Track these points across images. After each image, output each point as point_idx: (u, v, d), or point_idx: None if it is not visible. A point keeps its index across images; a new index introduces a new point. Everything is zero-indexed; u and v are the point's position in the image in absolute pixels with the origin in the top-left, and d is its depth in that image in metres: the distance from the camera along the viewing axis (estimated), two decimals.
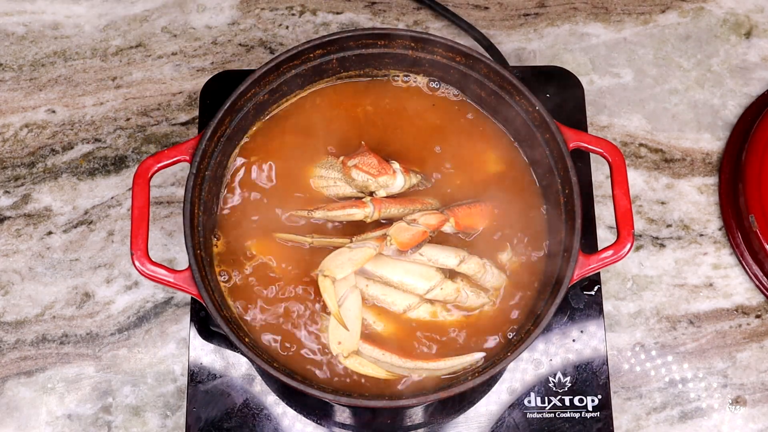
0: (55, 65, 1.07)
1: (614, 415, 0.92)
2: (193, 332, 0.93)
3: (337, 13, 1.10)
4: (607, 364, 0.93)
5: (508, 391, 0.92)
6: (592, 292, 0.95)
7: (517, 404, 0.91)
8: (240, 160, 0.91)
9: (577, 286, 0.95)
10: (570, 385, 0.92)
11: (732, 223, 1.00)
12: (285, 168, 0.91)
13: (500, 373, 0.92)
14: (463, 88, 0.93)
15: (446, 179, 0.90)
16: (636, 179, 1.03)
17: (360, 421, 0.92)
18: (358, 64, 0.93)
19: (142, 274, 0.80)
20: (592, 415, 0.91)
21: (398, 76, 0.94)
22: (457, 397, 0.91)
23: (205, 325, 0.93)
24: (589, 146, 0.85)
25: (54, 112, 1.05)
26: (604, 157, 0.85)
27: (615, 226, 0.91)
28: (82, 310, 0.97)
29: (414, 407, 0.91)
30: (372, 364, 0.82)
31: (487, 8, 1.11)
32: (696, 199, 1.03)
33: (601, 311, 0.95)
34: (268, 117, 0.93)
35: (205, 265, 0.83)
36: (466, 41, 1.07)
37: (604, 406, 0.91)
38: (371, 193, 0.88)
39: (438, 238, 0.87)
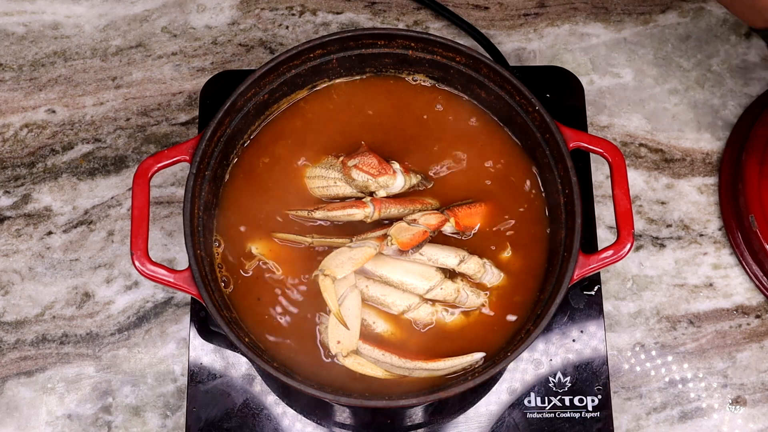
0: (55, 65, 1.07)
1: (614, 415, 0.92)
2: (193, 332, 0.93)
3: (337, 13, 1.10)
4: (607, 364, 0.93)
5: (508, 391, 0.92)
6: (592, 292, 0.95)
7: (517, 404, 0.91)
8: (240, 160, 0.91)
9: (577, 286, 0.95)
10: (570, 385, 0.92)
11: (732, 223, 1.00)
12: (285, 168, 0.91)
13: (500, 373, 0.92)
14: (463, 88, 0.93)
15: (446, 179, 0.90)
16: (636, 179, 1.03)
17: (360, 421, 0.92)
18: (358, 64, 0.93)
19: (142, 274, 0.80)
20: (592, 415, 0.91)
21: (398, 76, 0.94)
22: (457, 397, 0.91)
23: (205, 325, 0.93)
24: (589, 146, 0.85)
25: (54, 112, 1.05)
26: (604, 157, 0.85)
27: (615, 226, 0.91)
28: (82, 310, 0.97)
29: (414, 407, 0.91)
30: (371, 363, 0.82)
31: (487, 8, 1.11)
32: (696, 199, 1.03)
33: (601, 311, 0.95)
34: (268, 117, 0.93)
35: (205, 265, 0.83)
36: (466, 41, 1.07)
37: (604, 406, 0.91)
38: (371, 194, 0.88)
39: (437, 238, 0.87)
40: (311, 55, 0.90)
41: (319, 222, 0.88)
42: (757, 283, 0.98)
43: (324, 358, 0.84)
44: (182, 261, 0.99)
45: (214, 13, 1.10)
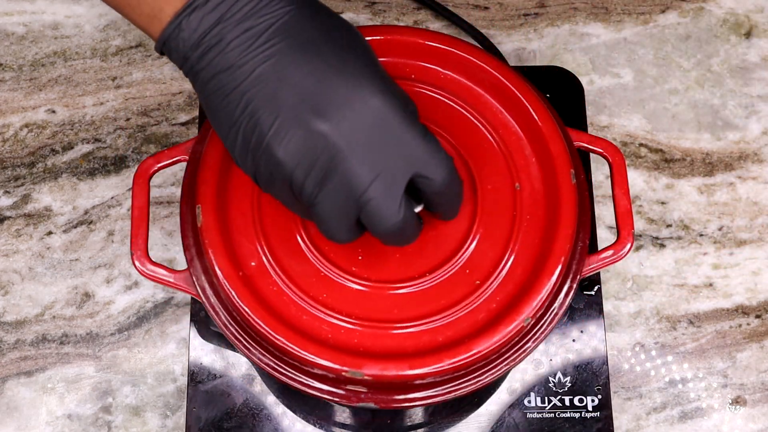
0: (55, 65, 1.07)
1: (614, 415, 0.92)
2: (193, 332, 0.93)
3: (338, 13, 1.10)
4: (607, 364, 0.93)
5: (508, 391, 0.92)
6: (592, 292, 0.95)
7: (517, 404, 0.91)
8: None
9: None
10: (570, 385, 0.92)
11: None
12: None
13: None
14: None
15: None
16: (636, 179, 1.03)
17: (360, 421, 0.92)
18: None
19: (142, 274, 0.80)
20: (592, 415, 0.91)
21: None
22: (457, 397, 0.91)
23: (205, 325, 0.93)
24: (589, 146, 0.85)
25: (54, 112, 1.05)
26: (604, 157, 0.85)
27: (615, 226, 0.91)
28: (82, 310, 0.97)
29: (414, 407, 0.91)
30: None
31: (487, 8, 1.11)
32: (696, 199, 1.03)
33: (601, 311, 0.95)
34: None
35: None
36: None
37: (604, 406, 0.91)
38: None
39: None
40: None
41: None
42: None
43: None
44: (182, 261, 0.98)
45: None
